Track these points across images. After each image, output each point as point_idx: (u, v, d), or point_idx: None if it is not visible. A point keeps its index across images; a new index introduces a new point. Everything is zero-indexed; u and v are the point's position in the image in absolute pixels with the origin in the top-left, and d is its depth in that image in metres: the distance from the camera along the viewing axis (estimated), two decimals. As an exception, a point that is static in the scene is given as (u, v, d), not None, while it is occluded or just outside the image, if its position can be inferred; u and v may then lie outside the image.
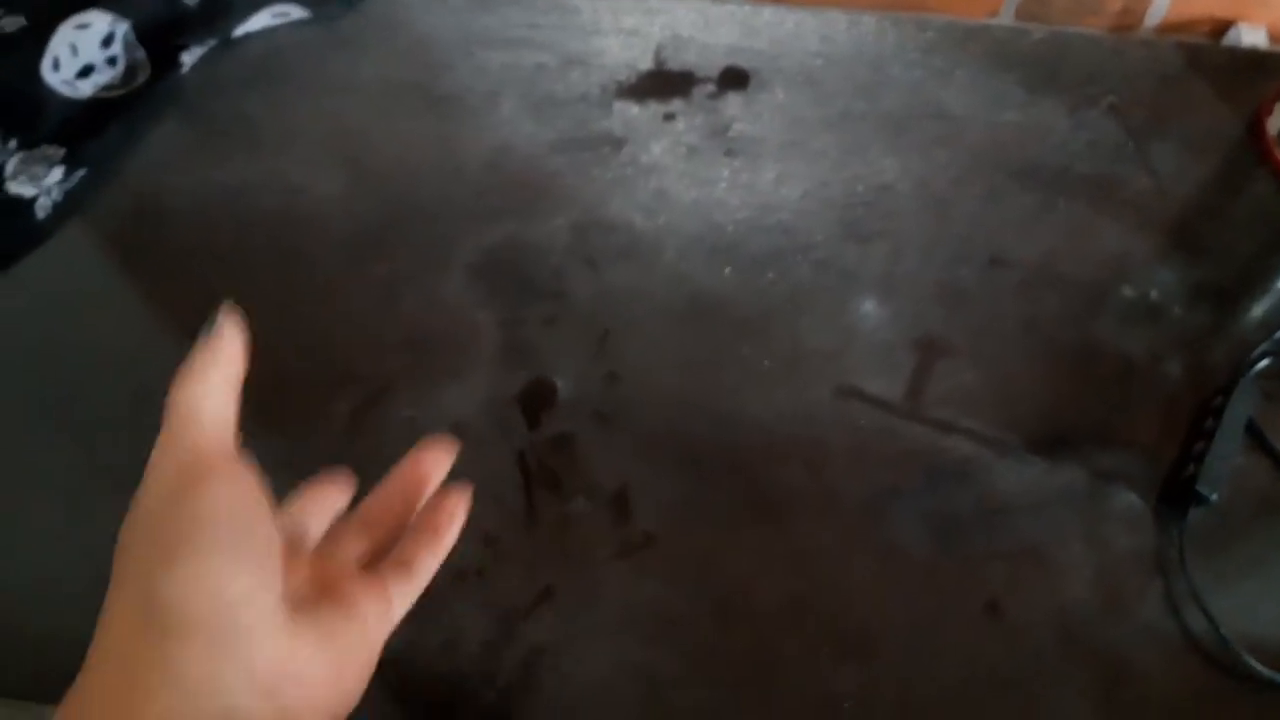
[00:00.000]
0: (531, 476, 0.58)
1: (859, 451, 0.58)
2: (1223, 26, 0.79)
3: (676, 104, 0.72)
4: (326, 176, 0.70)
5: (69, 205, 0.69)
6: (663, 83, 0.73)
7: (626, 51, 0.74)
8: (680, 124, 0.71)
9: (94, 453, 0.58)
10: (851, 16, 0.75)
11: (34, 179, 0.68)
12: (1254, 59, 0.76)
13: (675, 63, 0.74)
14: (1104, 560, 0.55)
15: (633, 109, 0.72)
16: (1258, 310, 0.63)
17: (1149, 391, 0.60)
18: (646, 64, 0.74)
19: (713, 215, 0.67)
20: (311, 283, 0.65)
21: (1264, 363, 0.60)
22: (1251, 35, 0.78)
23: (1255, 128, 0.70)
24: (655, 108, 0.72)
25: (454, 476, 0.43)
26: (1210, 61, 0.75)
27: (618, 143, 0.70)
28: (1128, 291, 0.64)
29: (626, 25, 0.76)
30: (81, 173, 0.69)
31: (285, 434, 0.57)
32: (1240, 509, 0.56)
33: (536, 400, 0.60)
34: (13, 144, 0.69)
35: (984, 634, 0.54)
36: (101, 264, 0.67)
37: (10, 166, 0.69)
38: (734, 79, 0.73)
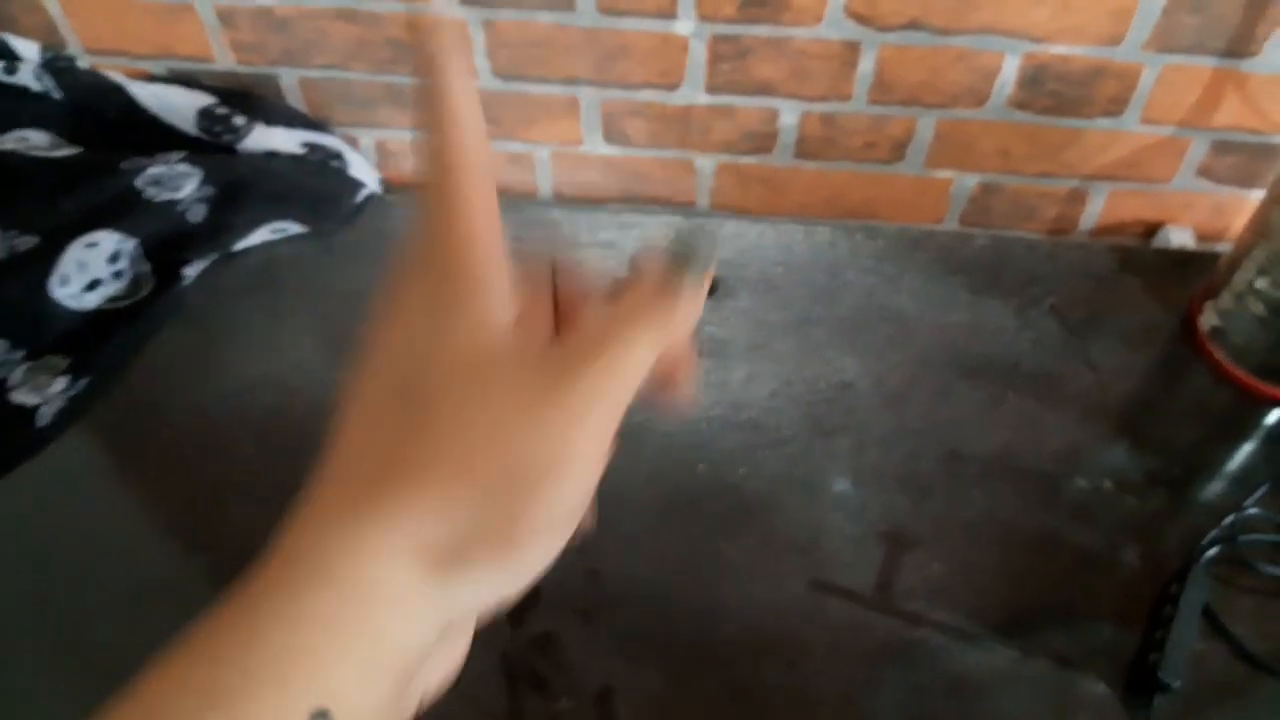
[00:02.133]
0: (516, 678, 0.59)
1: (834, 645, 0.60)
2: (1152, 228, 0.86)
3: (650, 309, 0.77)
4: (317, 379, 0.73)
5: (71, 412, 0.72)
6: (637, 289, 0.78)
7: (604, 263, 0.80)
8: (654, 327, 0.76)
9: (91, 648, 0.59)
10: (807, 227, 0.82)
11: (38, 389, 0.71)
12: (1182, 258, 0.82)
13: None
14: (1077, 749, 0.57)
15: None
16: (1204, 497, 0.67)
17: (1108, 579, 0.63)
18: (622, 273, 0.79)
19: (686, 414, 0.71)
20: (301, 482, 0.68)
21: (1214, 550, 0.63)
22: (1179, 236, 0.85)
23: (1188, 324, 0.76)
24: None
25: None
26: (1141, 261, 0.81)
27: (595, 346, 0.75)
28: (1081, 482, 0.67)
29: (603, 238, 0.82)
30: (85, 381, 0.72)
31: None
32: (1203, 693, 0.58)
33: (519, 599, 0.62)
34: (19, 355, 0.73)
35: (965, 829, 0.54)
36: (99, 463, 0.69)
37: (15, 377, 0.72)
38: (703, 285, 0.78)
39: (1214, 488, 0.68)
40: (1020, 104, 0.76)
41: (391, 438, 0.25)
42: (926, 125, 0.78)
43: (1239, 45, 0.72)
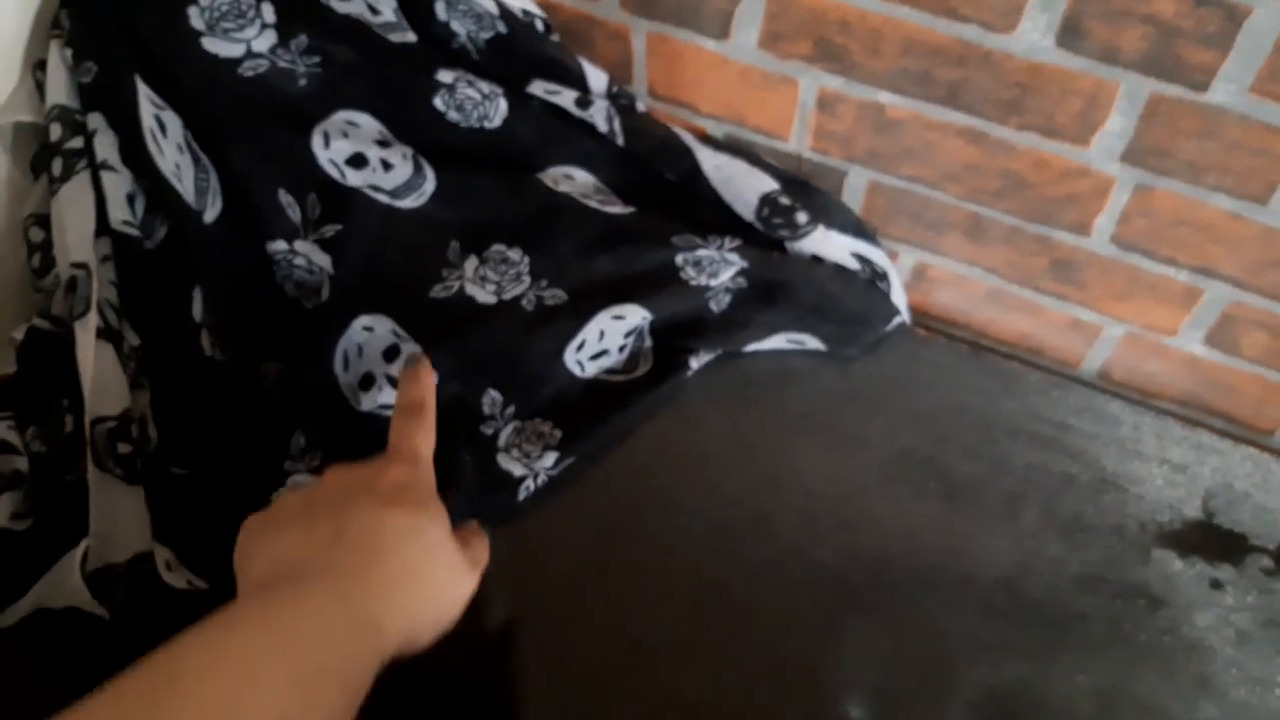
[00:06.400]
0: None
1: None
2: None
3: (1225, 570, 0.63)
4: (796, 518, 0.64)
5: (548, 489, 0.65)
6: (1210, 539, 0.64)
7: (1171, 489, 0.66)
8: (1229, 597, 0.62)
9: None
10: None
11: (525, 457, 0.65)
12: None
13: (1226, 518, 0.65)
14: None
15: (1175, 563, 0.63)
16: None
17: None
18: (1193, 511, 0.65)
19: (1271, 732, 0.56)
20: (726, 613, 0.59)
21: None
22: None
23: None
24: (1201, 569, 0.63)
25: None
26: None
27: (1155, 601, 0.61)
28: None
29: (1172, 457, 0.67)
30: (569, 462, 0.66)
31: None
32: None
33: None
34: (510, 410, 0.67)
35: None
36: (573, 536, 0.64)
37: (503, 437, 0.66)
38: (1296, 559, 0.63)
39: None
40: None
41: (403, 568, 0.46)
42: None
43: None
